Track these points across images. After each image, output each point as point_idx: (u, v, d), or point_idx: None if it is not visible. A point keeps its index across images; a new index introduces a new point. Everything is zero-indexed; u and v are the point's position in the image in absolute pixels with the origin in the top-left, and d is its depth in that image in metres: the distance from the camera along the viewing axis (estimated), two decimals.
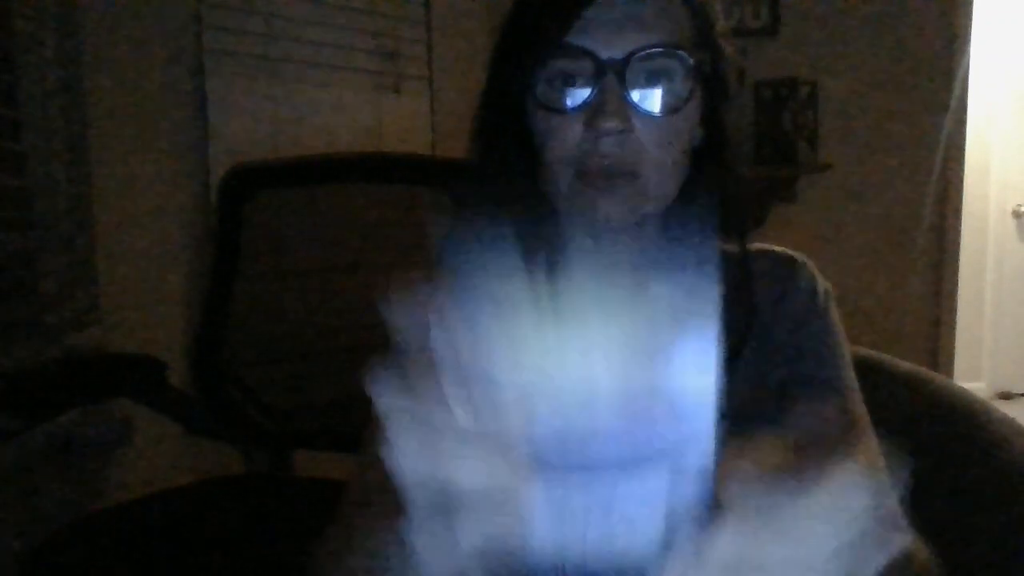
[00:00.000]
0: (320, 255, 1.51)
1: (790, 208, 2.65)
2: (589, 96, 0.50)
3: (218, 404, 1.52)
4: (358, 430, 0.53)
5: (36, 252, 1.37)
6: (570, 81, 0.51)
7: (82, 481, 1.32)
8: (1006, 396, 3.28)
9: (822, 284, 0.61)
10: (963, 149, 2.73)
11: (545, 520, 0.29)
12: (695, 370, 0.27)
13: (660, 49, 0.51)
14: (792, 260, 0.62)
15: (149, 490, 1.27)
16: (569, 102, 0.51)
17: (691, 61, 0.51)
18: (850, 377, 0.58)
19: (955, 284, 2.77)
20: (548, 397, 0.27)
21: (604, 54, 0.50)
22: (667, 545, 0.27)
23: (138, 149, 1.56)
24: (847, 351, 0.59)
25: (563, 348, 0.27)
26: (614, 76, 0.50)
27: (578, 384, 0.27)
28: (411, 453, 0.27)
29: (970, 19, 2.66)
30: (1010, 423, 0.73)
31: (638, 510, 0.30)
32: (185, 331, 1.65)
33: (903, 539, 0.27)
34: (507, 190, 0.46)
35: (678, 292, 0.39)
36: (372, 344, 0.33)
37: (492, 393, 0.27)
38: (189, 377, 1.63)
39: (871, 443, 0.54)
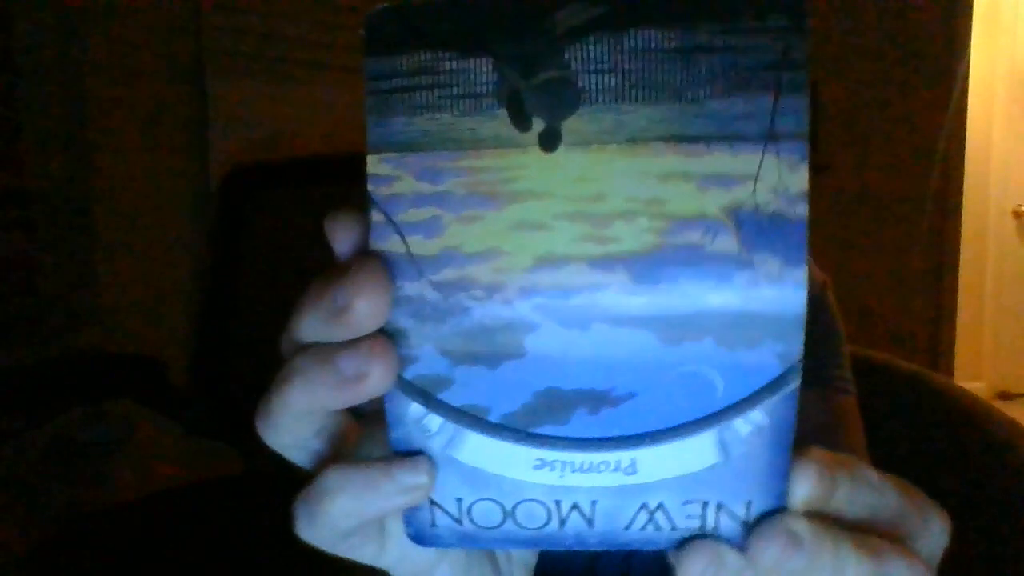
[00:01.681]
0: (320, 255, 1.51)
1: None
2: None
3: (218, 404, 1.52)
4: None
5: (36, 252, 1.37)
6: None
7: (82, 481, 1.32)
8: (1006, 396, 3.28)
9: (818, 279, 0.60)
10: (963, 149, 2.74)
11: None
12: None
13: None
14: None
15: (149, 490, 1.27)
16: None
17: None
18: (846, 378, 0.57)
19: (955, 284, 2.77)
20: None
21: None
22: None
23: (138, 149, 1.57)
24: (845, 349, 0.58)
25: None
26: None
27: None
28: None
29: (970, 19, 2.66)
30: (1011, 424, 0.73)
31: None
32: (185, 331, 1.66)
33: None
34: None
35: None
36: None
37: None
38: (189, 377, 1.63)
39: (860, 445, 0.53)
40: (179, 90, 1.65)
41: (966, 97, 2.68)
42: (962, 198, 2.76)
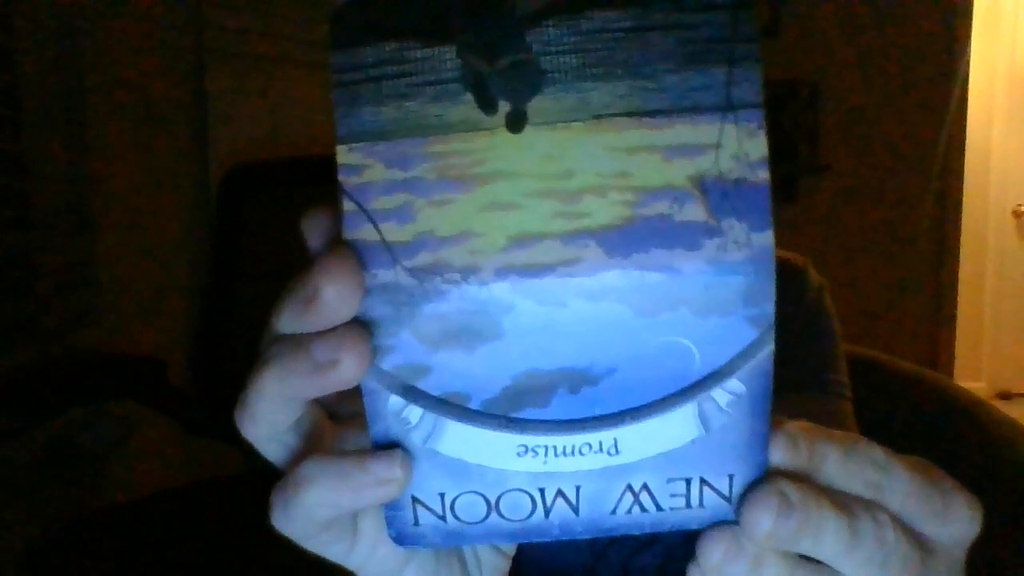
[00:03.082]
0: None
1: (790, 208, 2.65)
2: None
3: (218, 404, 1.52)
4: None
5: (36, 252, 1.37)
6: None
7: (82, 481, 1.32)
8: (1006, 396, 3.28)
9: (816, 282, 0.58)
10: (963, 149, 2.73)
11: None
12: None
13: None
14: (795, 271, 0.58)
15: (149, 490, 1.27)
16: None
17: None
18: (842, 382, 0.56)
19: (955, 284, 2.77)
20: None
21: None
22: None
23: (138, 149, 1.57)
24: (841, 353, 0.58)
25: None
26: None
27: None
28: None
29: (970, 19, 2.66)
30: (1010, 423, 0.73)
31: None
32: (185, 331, 1.66)
33: None
34: None
35: None
36: None
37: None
38: (189, 377, 1.63)
39: None
40: (179, 90, 1.65)
41: (966, 97, 2.68)
42: (962, 198, 2.76)
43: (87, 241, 1.48)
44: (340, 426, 0.24)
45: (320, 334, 0.20)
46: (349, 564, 0.25)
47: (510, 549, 0.30)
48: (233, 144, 1.72)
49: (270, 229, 1.66)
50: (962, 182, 2.75)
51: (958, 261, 2.76)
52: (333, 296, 0.20)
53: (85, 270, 1.48)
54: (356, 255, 0.20)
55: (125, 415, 1.39)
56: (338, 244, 0.20)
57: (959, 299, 2.79)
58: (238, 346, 1.58)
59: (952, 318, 2.77)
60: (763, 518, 0.21)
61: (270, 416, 0.22)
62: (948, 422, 0.75)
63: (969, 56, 2.67)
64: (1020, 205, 3.30)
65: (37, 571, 1.08)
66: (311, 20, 1.82)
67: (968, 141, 2.76)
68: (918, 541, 0.23)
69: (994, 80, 3.23)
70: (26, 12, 1.34)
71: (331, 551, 0.24)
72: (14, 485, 1.21)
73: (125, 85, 1.53)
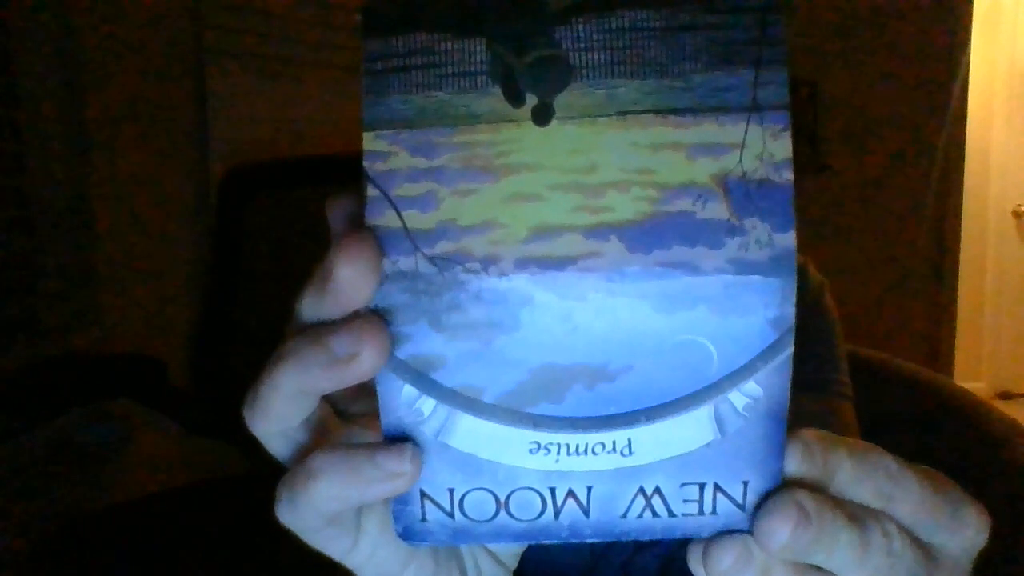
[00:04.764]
0: (320, 255, 1.51)
1: None
2: None
3: (218, 404, 1.52)
4: None
5: (36, 252, 1.37)
6: None
7: (82, 481, 1.32)
8: (1006, 396, 3.28)
9: (816, 281, 0.58)
10: (963, 149, 2.73)
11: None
12: None
13: None
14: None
15: (149, 490, 1.27)
16: None
17: None
18: (844, 382, 0.56)
19: (955, 284, 2.77)
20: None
21: None
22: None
23: (138, 149, 1.56)
24: (842, 353, 0.57)
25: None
26: None
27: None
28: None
29: (970, 19, 2.66)
30: (1010, 423, 0.73)
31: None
32: (185, 331, 1.65)
33: None
34: None
35: None
36: None
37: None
38: (189, 377, 1.63)
39: None
40: (179, 90, 1.65)
41: (966, 97, 2.68)
42: (962, 198, 2.76)
43: (87, 241, 1.48)
44: (348, 424, 0.24)
45: (338, 327, 0.20)
46: (349, 563, 0.25)
47: (511, 560, 0.29)
48: (233, 144, 1.71)
49: (270, 229, 1.66)
50: (962, 182, 2.75)
51: (958, 261, 2.76)
52: (349, 276, 0.20)
53: (85, 270, 1.48)
54: (375, 238, 0.20)
55: (125, 415, 1.39)
56: (357, 227, 0.21)
57: (959, 299, 2.79)
58: (238, 346, 1.58)
59: (952, 318, 2.77)
60: (781, 529, 0.21)
61: (283, 411, 0.22)
62: (948, 422, 0.75)
63: (969, 56, 2.67)
64: (1020, 205, 3.30)
65: (37, 571, 1.08)
66: (312, 20, 1.82)
67: (968, 141, 2.76)
68: (924, 550, 0.23)
69: (994, 80, 3.23)
70: (26, 12, 1.34)
71: (333, 548, 0.24)
72: (14, 485, 1.21)
73: (125, 85, 1.53)
